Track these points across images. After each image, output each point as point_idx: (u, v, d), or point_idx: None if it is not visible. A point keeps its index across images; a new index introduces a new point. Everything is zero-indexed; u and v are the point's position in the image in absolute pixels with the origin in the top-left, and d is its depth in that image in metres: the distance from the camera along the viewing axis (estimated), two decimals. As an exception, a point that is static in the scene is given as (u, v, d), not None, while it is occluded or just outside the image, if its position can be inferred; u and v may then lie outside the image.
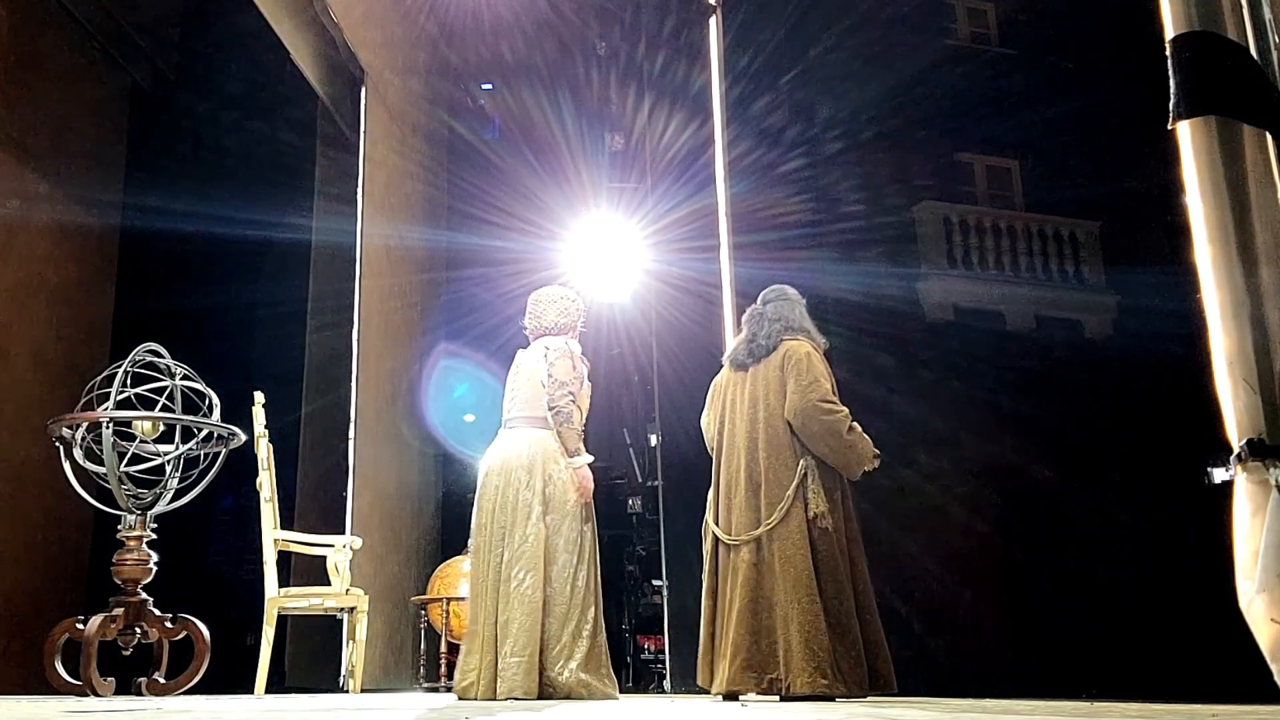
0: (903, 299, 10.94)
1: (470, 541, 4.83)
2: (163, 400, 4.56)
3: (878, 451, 4.55)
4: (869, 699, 4.25)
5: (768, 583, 4.32)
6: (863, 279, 10.36)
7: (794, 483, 4.32)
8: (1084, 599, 9.36)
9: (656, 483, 9.01)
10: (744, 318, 4.86)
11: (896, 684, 4.35)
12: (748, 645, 4.30)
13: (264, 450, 5.14)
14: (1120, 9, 9.98)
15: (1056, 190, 11.57)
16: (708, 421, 4.86)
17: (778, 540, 4.31)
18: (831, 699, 4.12)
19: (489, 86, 11.05)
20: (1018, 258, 11.49)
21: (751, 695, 4.41)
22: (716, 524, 4.58)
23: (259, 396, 5.20)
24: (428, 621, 7.42)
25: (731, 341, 4.87)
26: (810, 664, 4.13)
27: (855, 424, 4.46)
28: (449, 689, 5.73)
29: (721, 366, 4.97)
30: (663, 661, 9.29)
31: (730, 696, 4.42)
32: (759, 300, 4.83)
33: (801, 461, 4.37)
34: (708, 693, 4.61)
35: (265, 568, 5.11)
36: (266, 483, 5.16)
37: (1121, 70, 10.22)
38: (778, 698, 4.31)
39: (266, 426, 5.20)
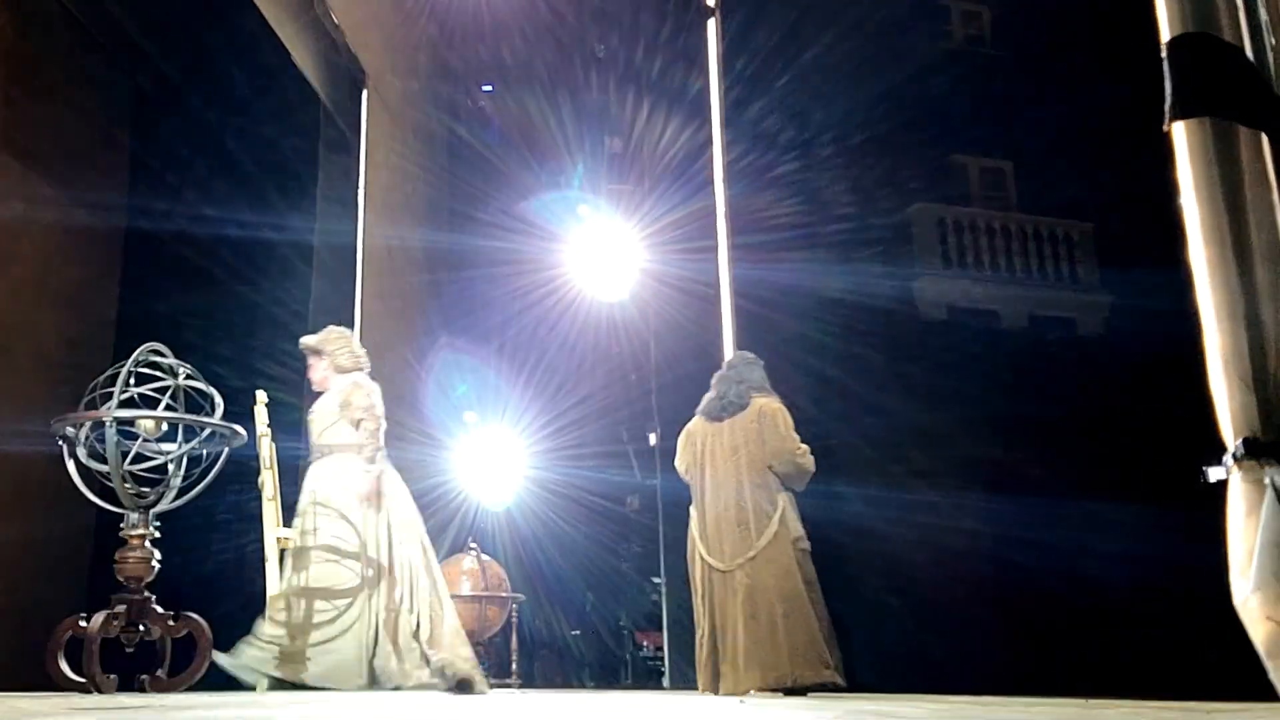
0: (898, 299, 10.98)
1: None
2: (166, 399, 4.58)
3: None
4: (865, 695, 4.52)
5: (762, 597, 5.13)
6: (858, 279, 10.40)
7: (777, 513, 5.23)
8: (1077, 597, 9.40)
9: (654, 482, 9.06)
10: (714, 379, 5.73)
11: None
12: (758, 651, 5.09)
13: (265, 449, 5.17)
14: (1115, 11, 10.04)
15: (1050, 191, 11.62)
16: (682, 465, 5.70)
17: (769, 561, 5.17)
18: (834, 684, 5.07)
19: (489, 89, 11.09)
20: (1012, 258, 11.55)
21: (753, 693, 5.03)
22: (708, 553, 5.38)
23: (260, 395, 5.23)
24: (428, 620, 7.44)
25: (705, 398, 5.70)
26: (817, 658, 5.06)
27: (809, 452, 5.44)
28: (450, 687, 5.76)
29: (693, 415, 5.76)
30: (661, 659, 9.34)
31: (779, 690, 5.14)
32: (725, 365, 5.83)
33: (781, 496, 5.29)
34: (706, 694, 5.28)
35: (267, 566, 5.14)
36: (268, 481, 5.19)
37: (1116, 72, 10.27)
38: (781, 692, 4.99)
39: (269, 425, 5.23)
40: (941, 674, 8.79)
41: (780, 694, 4.99)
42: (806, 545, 5.29)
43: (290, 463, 6.08)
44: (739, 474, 5.32)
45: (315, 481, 5.24)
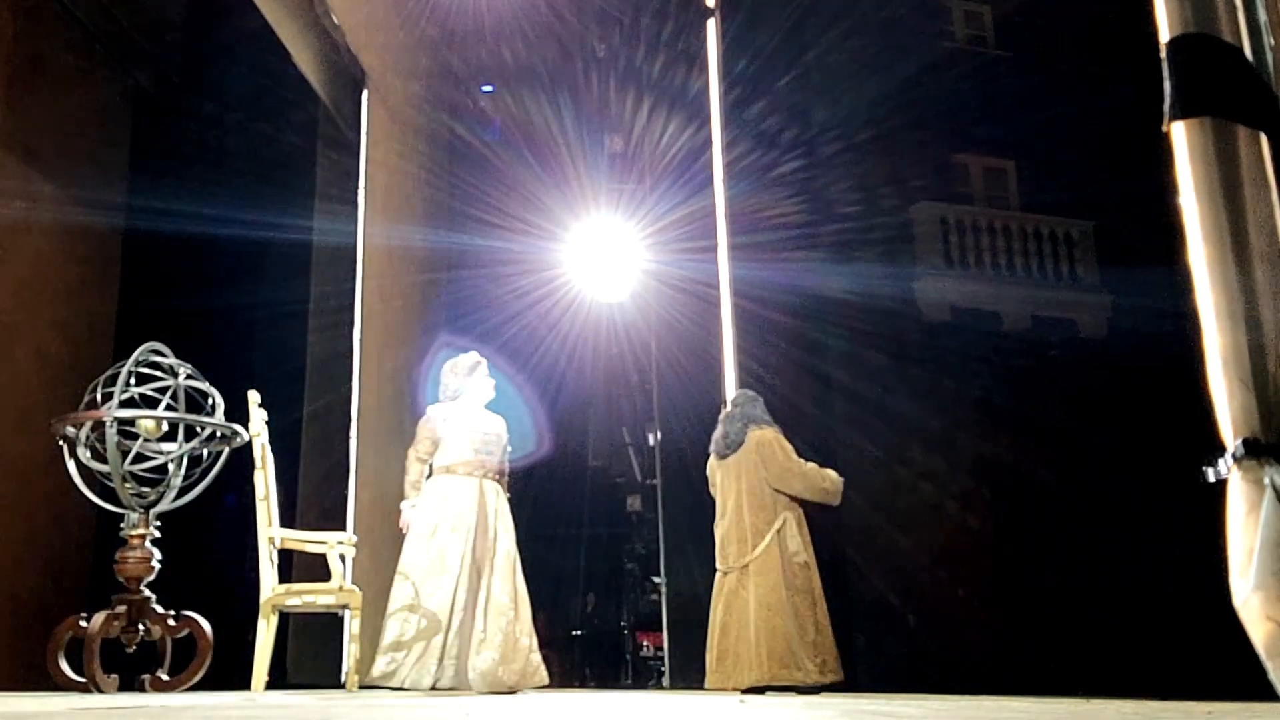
0: (899, 299, 10.99)
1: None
2: (166, 399, 4.58)
3: (839, 475, 6.13)
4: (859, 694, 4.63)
5: (747, 603, 5.70)
6: (860, 279, 10.40)
7: (772, 530, 5.83)
8: (1078, 596, 9.41)
9: (655, 481, 9.07)
10: (721, 417, 6.39)
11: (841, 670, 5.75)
12: (742, 651, 5.64)
13: (259, 449, 5.16)
14: (1115, 11, 10.05)
15: (1051, 191, 11.63)
16: (712, 492, 6.40)
17: (758, 573, 5.76)
18: (811, 686, 5.51)
19: (490, 89, 11.10)
20: (1013, 258, 11.55)
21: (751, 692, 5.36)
22: (718, 559, 6.05)
23: (254, 396, 5.22)
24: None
25: (714, 435, 6.35)
26: (793, 661, 5.55)
27: (817, 468, 6.04)
28: (451, 686, 5.77)
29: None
30: (662, 658, 9.34)
31: (757, 690, 5.56)
32: (729, 404, 6.51)
33: (783, 515, 5.89)
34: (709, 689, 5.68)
35: (261, 565, 5.13)
36: (261, 481, 5.17)
37: (1116, 72, 10.27)
38: (794, 691, 5.42)
39: (267, 423, 5.23)
40: (941, 674, 8.80)
41: (792, 693, 5.40)
42: (805, 559, 5.83)
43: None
44: (740, 498, 6.01)
45: None
